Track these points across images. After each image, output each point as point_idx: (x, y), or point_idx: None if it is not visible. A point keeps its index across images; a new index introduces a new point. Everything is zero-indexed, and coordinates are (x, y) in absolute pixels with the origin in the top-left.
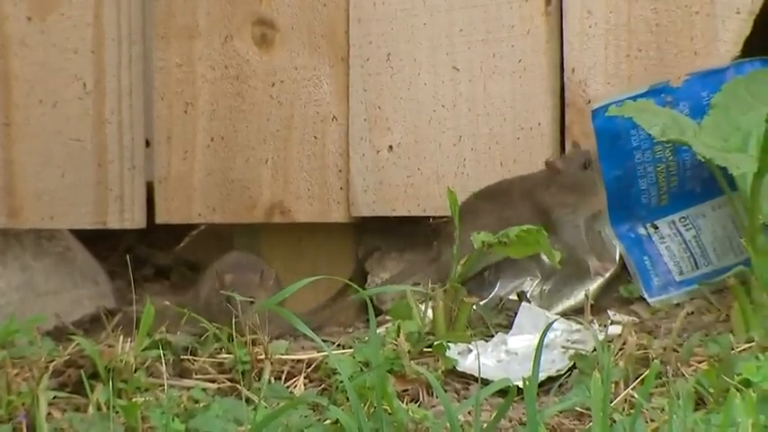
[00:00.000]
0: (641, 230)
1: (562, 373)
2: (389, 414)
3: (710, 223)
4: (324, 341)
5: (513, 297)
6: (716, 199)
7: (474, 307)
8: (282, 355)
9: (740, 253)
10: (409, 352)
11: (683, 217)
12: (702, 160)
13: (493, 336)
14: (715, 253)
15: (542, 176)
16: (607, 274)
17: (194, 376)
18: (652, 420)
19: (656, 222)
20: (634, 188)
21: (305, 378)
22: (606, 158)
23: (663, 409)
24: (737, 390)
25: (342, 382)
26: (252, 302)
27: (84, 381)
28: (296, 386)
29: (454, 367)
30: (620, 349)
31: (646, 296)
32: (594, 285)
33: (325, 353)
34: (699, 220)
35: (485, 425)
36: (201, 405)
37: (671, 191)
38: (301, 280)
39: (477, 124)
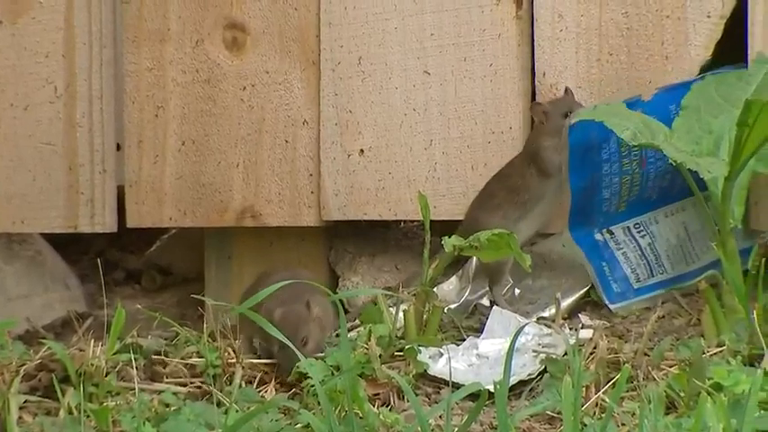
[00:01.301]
0: (598, 236)
1: (533, 376)
2: (361, 418)
3: (663, 230)
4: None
5: (485, 301)
6: (669, 206)
7: (445, 311)
8: (253, 359)
9: (692, 261)
10: (380, 356)
11: (637, 223)
12: (673, 164)
13: (464, 340)
14: (669, 261)
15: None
16: (581, 291)
17: (165, 380)
18: (623, 424)
19: (611, 228)
20: (597, 197)
21: (276, 382)
22: (576, 170)
23: (634, 414)
24: (708, 394)
25: (313, 386)
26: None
27: (56, 385)
28: (267, 390)
29: (425, 371)
30: (591, 353)
31: (606, 302)
32: (569, 301)
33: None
34: (652, 226)
35: (456, 429)
36: (172, 409)
37: (630, 199)
38: (273, 284)
39: (449, 128)
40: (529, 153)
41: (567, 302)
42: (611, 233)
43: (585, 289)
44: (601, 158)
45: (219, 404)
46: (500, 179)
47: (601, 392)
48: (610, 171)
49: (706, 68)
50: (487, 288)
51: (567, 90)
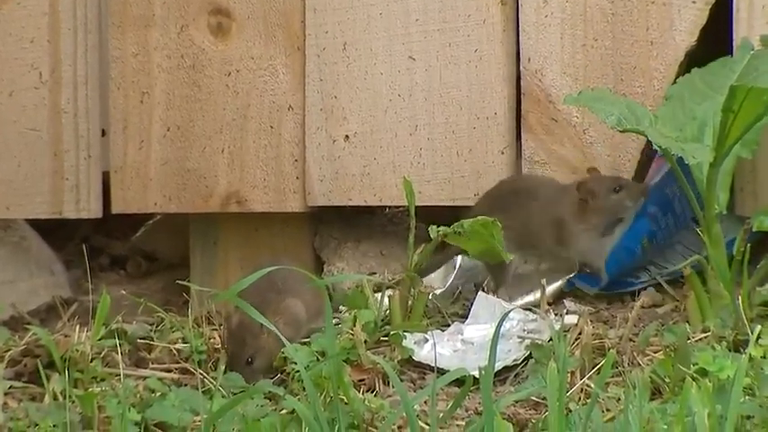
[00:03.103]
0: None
1: (518, 362)
2: (346, 404)
3: (661, 255)
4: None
5: (470, 287)
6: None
7: (430, 296)
8: None
9: None
10: (365, 342)
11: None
12: (658, 150)
13: (449, 325)
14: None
15: (570, 195)
16: (566, 277)
17: (151, 366)
18: (608, 410)
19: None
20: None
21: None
22: (607, 284)
23: (619, 399)
24: (693, 379)
25: (298, 371)
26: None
27: (41, 370)
28: None
29: (410, 357)
30: (577, 339)
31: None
32: (555, 285)
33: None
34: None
35: (441, 414)
36: (158, 394)
37: None
38: (258, 270)
39: (434, 114)
40: (555, 221)
41: (551, 287)
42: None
43: (571, 275)
44: (630, 268)
45: (205, 390)
46: (518, 204)
47: (586, 378)
48: (632, 268)
49: (691, 54)
50: (469, 272)
51: (590, 170)
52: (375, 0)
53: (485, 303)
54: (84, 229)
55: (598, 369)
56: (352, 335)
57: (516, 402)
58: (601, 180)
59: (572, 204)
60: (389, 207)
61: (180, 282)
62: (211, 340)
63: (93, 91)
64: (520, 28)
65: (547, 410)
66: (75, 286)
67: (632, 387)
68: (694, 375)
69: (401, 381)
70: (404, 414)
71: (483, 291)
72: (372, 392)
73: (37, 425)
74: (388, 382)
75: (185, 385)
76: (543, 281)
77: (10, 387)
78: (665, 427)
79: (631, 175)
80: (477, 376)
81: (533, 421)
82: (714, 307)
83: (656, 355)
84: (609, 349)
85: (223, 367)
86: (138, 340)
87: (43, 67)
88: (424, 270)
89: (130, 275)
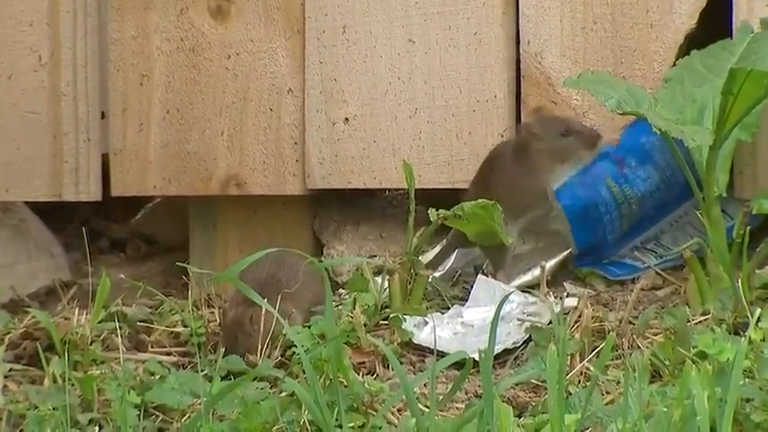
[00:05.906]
0: (605, 262)
1: (518, 345)
2: (345, 386)
3: (671, 236)
4: None
5: (470, 269)
6: (671, 215)
7: (430, 279)
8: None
9: None
10: (365, 325)
11: (644, 240)
12: (658, 132)
13: (449, 308)
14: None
15: (522, 140)
16: (562, 255)
17: (150, 349)
18: (607, 393)
19: (618, 254)
20: (602, 243)
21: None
22: (579, 231)
23: (618, 382)
24: (693, 362)
25: (298, 354)
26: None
27: (40, 353)
28: None
29: (410, 340)
30: (576, 322)
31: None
32: (552, 262)
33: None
34: (660, 236)
35: (441, 397)
36: (157, 377)
37: (631, 224)
38: (257, 252)
39: (433, 97)
40: (526, 170)
41: (549, 264)
42: (618, 256)
43: (566, 252)
44: (600, 212)
45: (204, 373)
46: (496, 175)
47: (585, 361)
48: (611, 218)
49: (691, 37)
50: (468, 256)
51: (536, 110)
52: None
53: (485, 286)
54: (84, 212)
55: (598, 352)
56: (352, 318)
57: (516, 385)
58: (545, 121)
59: (534, 154)
60: (389, 190)
61: (179, 264)
62: (211, 323)
63: (92, 74)
64: (519, 11)
65: (546, 393)
66: (74, 269)
67: (632, 370)
68: (694, 358)
69: (401, 364)
70: (403, 397)
71: (483, 274)
72: (372, 375)
73: (36, 407)
74: (388, 365)
75: (185, 368)
76: (543, 262)
77: (10, 370)
78: (665, 409)
79: None
80: (477, 359)
81: (533, 404)
82: (714, 290)
83: (656, 337)
84: (609, 332)
85: (222, 350)
86: (138, 323)
87: (42, 50)
88: (432, 264)
89: (130, 258)
